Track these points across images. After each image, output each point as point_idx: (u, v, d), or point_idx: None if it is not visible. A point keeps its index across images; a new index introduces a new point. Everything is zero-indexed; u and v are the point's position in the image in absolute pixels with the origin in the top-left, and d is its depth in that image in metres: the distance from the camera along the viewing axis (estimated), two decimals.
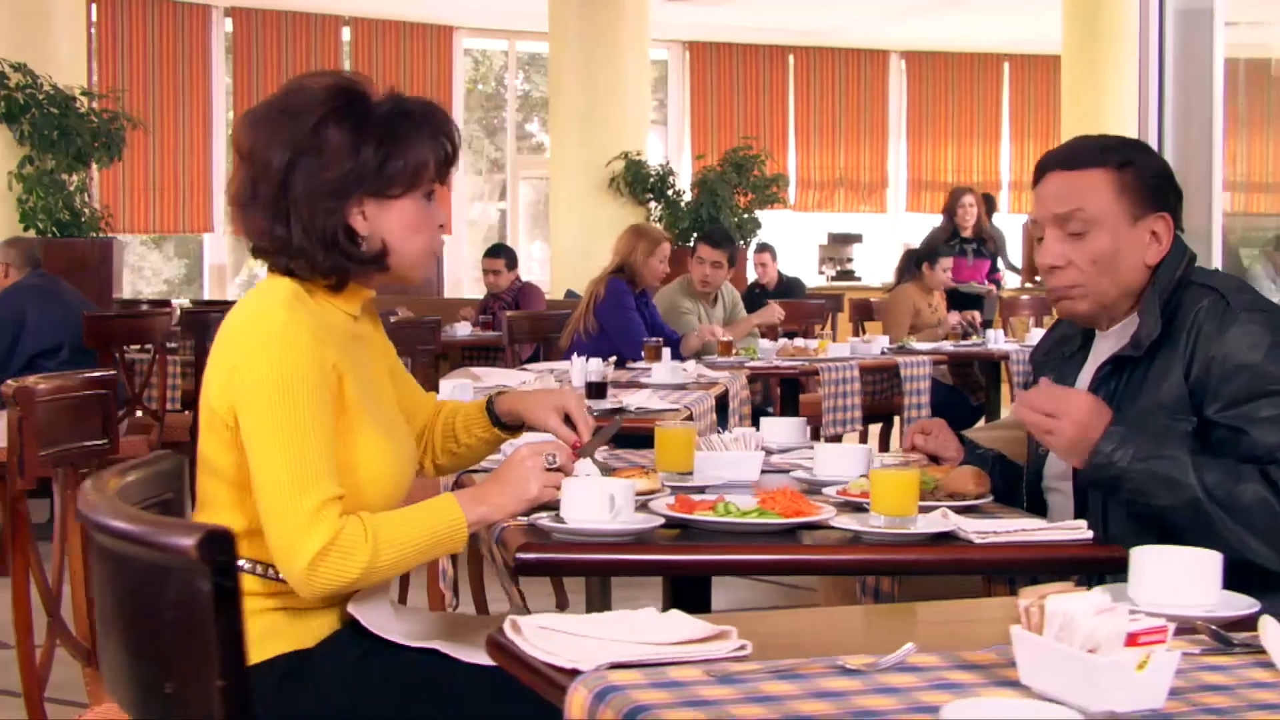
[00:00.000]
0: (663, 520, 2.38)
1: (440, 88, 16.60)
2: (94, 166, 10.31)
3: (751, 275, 12.04)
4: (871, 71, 18.57)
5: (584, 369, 5.15)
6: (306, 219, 2.38)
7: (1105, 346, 2.71)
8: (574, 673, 1.63)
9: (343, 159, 2.37)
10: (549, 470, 2.41)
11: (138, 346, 6.86)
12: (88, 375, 2.71)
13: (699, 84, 17.96)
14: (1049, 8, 14.92)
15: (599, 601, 4.19)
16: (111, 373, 2.78)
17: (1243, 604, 1.94)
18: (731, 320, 7.88)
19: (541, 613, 1.88)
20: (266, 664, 2.37)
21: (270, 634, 2.38)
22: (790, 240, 17.29)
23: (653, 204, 13.67)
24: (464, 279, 16.84)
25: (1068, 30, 14.90)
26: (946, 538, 2.37)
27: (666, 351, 6.31)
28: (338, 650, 2.40)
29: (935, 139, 18.86)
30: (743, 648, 1.71)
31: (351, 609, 2.40)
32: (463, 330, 9.50)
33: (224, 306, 9.07)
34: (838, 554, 2.34)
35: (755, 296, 11.01)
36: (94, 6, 14.47)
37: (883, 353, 7.59)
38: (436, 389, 4.95)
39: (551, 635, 1.75)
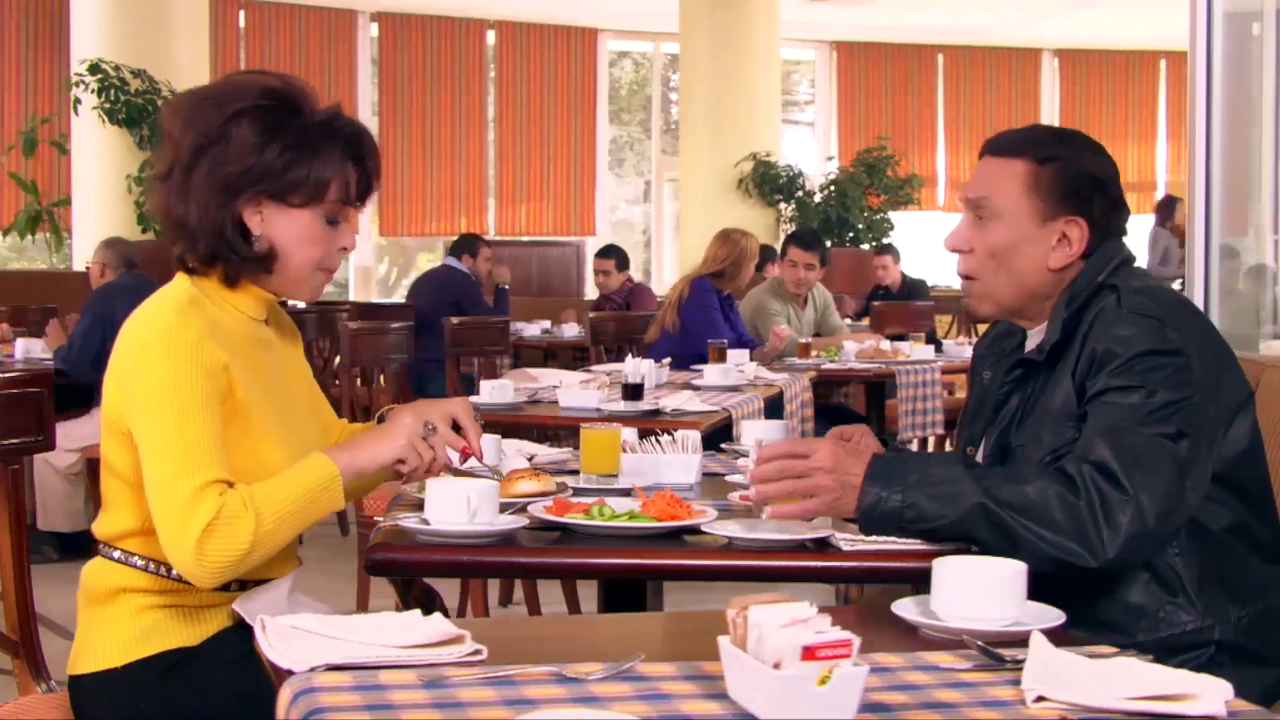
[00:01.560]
0: (526, 522, 2.35)
1: (584, 90, 16.71)
2: None
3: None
4: (1023, 70, 18.25)
5: (636, 369, 5.12)
6: (201, 205, 2.42)
7: (1030, 346, 2.61)
8: (290, 673, 1.63)
9: (246, 155, 2.41)
10: (424, 439, 2.43)
11: None
12: (16, 374, 2.77)
13: (846, 84, 17.81)
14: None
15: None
16: (46, 371, 2.83)
17: (1048, 616, 1.86)
18: (824, 322, 7.77)
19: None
20: (151, 659, 2.40)
21: (156, 630, 2.41)
22: (937, 241, 17.07)
23: (782, 205, 13.58)
24: None
25: None
26: (822, 544, 2.31)
27: (744, 354, 6.25)
28: (222, 648, 2.42)
29: None
30: (477, 652, 1.69)
31: (236, 606, 2.41)
32: (570, 331, 9.56)
33: (342, 308, 9.23)
34: (703, 559, 2.29)
35: (879, 298, 10.87)
36: (242, 13, 14.88)
37: None
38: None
39: (301, 636, 1.75)
